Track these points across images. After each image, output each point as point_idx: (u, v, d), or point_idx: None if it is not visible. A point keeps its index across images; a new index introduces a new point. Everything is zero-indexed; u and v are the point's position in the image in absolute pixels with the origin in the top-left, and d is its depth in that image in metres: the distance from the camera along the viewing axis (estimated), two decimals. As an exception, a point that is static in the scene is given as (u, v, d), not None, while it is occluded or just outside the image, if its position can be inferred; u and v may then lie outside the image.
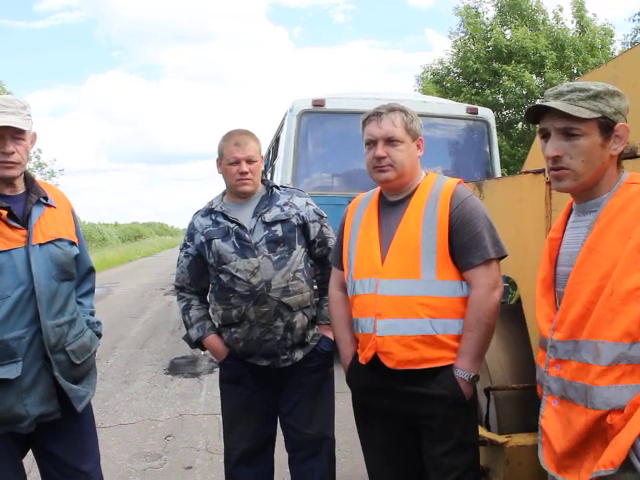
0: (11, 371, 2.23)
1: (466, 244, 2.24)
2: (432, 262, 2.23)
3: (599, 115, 1.70)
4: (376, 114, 2.34)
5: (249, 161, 2.77)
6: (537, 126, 1.85)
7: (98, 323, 2.67)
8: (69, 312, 2.44)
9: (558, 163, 1.75)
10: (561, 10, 16.89)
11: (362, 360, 2.37)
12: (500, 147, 8.33)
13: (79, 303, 2.60)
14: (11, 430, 2.29)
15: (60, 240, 2.42)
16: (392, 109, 2.34)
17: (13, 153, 2.27)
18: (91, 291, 2.71)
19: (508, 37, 16.41)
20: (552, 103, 1.73)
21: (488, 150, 7.72)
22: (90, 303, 2.69)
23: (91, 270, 2.70)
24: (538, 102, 1.79)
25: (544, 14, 17.10)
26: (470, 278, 2.25)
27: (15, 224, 2.30)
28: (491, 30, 16.62)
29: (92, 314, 2.68)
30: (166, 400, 5.95)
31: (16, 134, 2.27)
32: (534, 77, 15.84)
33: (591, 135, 1.71)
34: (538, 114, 1.80)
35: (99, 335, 2.66)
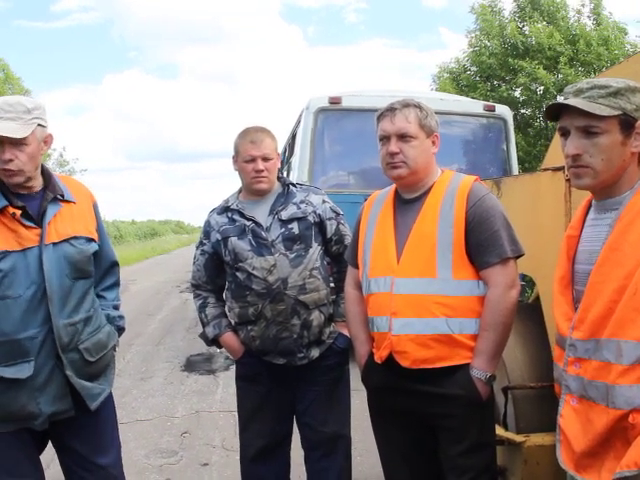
0: (23, 370, 2.23)
1: (483, 242, 2.22)
2: (448, 261, 2.22)
3: (619, 112, 1.67)
4: (390, 110, 2.32)
5: (265, 159, 2.76)
6: (556, 123, 1.82)
7: (120, 317, 2.65)
8: (84, 310, 2.41)
9: (578, 161, 1.72)
10: (583, 6, 16.77)
11: (377, 359, 2.36)
12: (516, 144, 8.28)
13: (102, 297, 2.59)
14: (25, 426, 2.30)
15: (76, 238, 2.38)
16: (406, 104, 2.32)
17: (11, 160, 2.21)
18: (115, 284, 2.69)
19: (526, 32, 16.29)
20: (572, 101, 1.71)
21: (505, 148, 7.66)
22: (114, 296, 2.67)
23: (114, 264, 2.68)
24: (558, 100, 1.77)
25: (564, 10, 16.96)
26: (487, 277, 2.23)
27: (29, 223, 2.28)
28: (508, 24, 16.49)
29: (116, 307, 2.66)
30: (182, 397, 5.97)
31: (16, 140, 2.20)
32: (549, 74, 15.67)
33: (611, 133, 1.68)
34: (557, 111, 1.77)
35: (122, 329, 2.65)
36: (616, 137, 1.68)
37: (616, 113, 1.67)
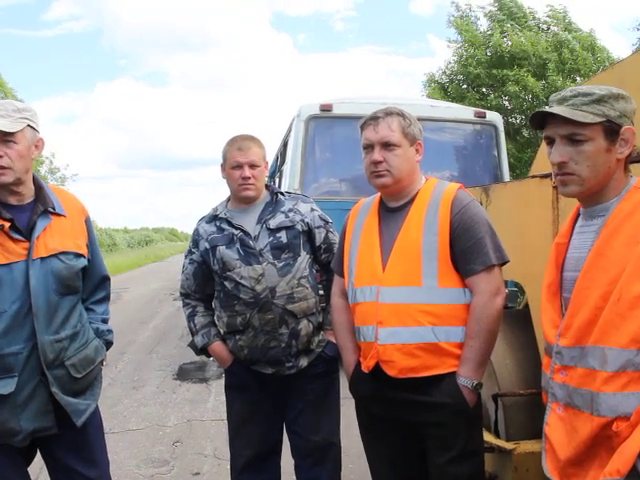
0: (5, 386, 2.20)
1: (467, 250, 2.22)
2: (433, 269, 2.21)
3: (603, 119, 1.68)
4: (373, 118, 2.32)
5: (252, 166, 2.77)
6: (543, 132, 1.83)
7: (109, 331, 2.62)
8: (71, 326, 2.38)
9: (564, 169, 1.73)
10: (550, 17, 16.98)
11: (364, 368, 2.35)
12: (507, 151, 8.34)
13: (91, 310, 2.56)
14: (5, 443, 2.26)
15: (64, 253, 2.35)
16: (389, 113, 2.32)
17: (1, 157, 2.20)
18: (105, 298, 2.66)
19: (508, 45, 16.42)
20: (555, 109, 1.72)
21: (496, 154, 7.68)
22: (103, 310, 2.64)
23: (105, 279, 2.65)
24: (543, 108, 1.78)
25: (534, 19, 17.16)
26: (472, 284, 2.23)
27: (18, 236, 2.25)
28: (490, 36, 16.59)
29: (105, 321, 2.63)
30: (174, 406, 5.95)
31: (5, 137, 2.20)
32: (537, 81, 15.76)
33: (596, 140, 1.69)
34: (542, 120, 1.78)
35: (110, 343, 2.62)
36: (601, 144, 1.69)
37: (600, 120, 1.68)
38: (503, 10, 16.87)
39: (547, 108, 1.76)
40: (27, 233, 2.28)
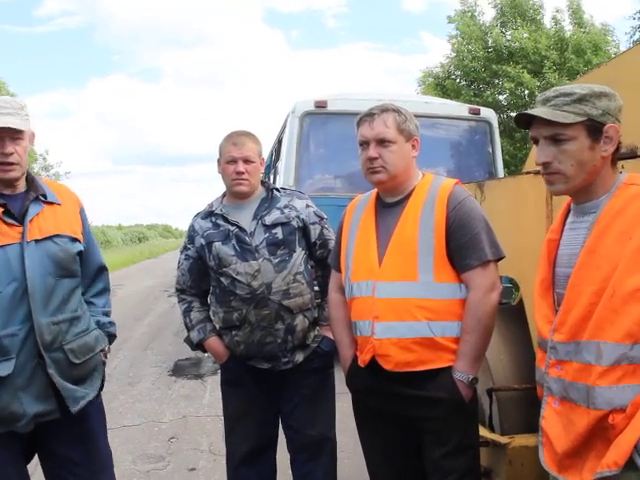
0: (3, 369, 2.21)
1: (463, 245, 2.23)
2: (429, 264, 2.23)
3: (584, 118, 1.70)
4: (369, 115, 2.33)
5: (246, 161, 2.78)
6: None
7: (111, 323, 2.64)
8: (70, 309, 2.39)
9: (548, 169, 1.76)
10: (559, 12, 16.90)
11: (361, 363, 2.37)
12: (501, 147, 8.34)
13: (91, 303, 2.57)
14: (9, 430, 2.27)
15: (58, 236, 2.38)
16: (385, 109, 2.33)
17: (12, 154, 2.27)
18: (105, 290, 2.68)
19: (508, 37, 16.39)
20: (537, 111, 1.75)
21: (491, 150, 7.70)
22: (103, 302, 2.65)
23: (103, 269, 2.67)
24: (527, 110, 1.80)
25: (541, 14, 17.10)
26: (467, 280, 2.24)
27: (11, 221, 2.29)
28: (490, 31, 16.56)
29: (107, 314, 2.65)
30: (170, 402, 5.96)
31: (15, 135, 2.27)
32: (534, 78, 15.73)
33: (578, 139, 1.71)
34: (528, 120, 1.80)
35: (112, 336, 2.64)
36: (583, 142, 1.71)
37: (580, 119, 1.70)
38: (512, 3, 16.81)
39: (529, 110, 1.78)
40: (20, 218, 2.32)
